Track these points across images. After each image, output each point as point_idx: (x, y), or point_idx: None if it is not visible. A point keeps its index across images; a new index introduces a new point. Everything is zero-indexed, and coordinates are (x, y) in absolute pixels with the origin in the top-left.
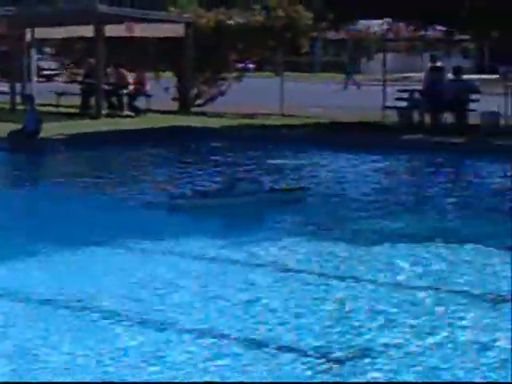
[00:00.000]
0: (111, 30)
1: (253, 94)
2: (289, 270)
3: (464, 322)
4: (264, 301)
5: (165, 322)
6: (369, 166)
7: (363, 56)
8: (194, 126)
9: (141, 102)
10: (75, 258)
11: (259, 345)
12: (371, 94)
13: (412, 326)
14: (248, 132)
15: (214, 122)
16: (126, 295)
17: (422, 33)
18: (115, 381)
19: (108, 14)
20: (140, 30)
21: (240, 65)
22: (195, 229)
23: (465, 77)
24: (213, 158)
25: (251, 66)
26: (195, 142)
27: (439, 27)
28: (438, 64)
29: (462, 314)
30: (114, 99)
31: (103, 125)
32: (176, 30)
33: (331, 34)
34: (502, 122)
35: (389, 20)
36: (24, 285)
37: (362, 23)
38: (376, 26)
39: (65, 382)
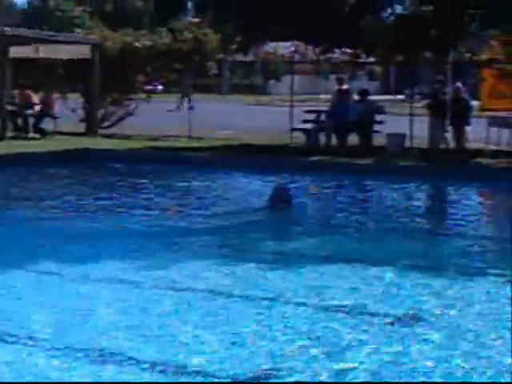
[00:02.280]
0: (17, 52)
1: (161, 116)
2: None
3: None
4: None
5: None
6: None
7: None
8: (100, 149)
9: (48, 124)
10: None
11: None
12: (281, 116)
13: None
14: (154, 154)
15: (120, 145)
16: None
17: (329, 55)
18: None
19: (14, 35)
20: (46, 52)
21: (148, 86)
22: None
23: (371, 98)
24: (115, 180)
25: (160, 87)
26: (100, 164)
27: (346, 49)
28: (344, 86)
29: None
30: (19, 121)
31: (7, 147)
32: (83, 52)
33: (240, 57)
34: (407, 143)
35: (296, 43)
36: None
37: (270, 45)
38: (283, 48)
39: (64, 382)
